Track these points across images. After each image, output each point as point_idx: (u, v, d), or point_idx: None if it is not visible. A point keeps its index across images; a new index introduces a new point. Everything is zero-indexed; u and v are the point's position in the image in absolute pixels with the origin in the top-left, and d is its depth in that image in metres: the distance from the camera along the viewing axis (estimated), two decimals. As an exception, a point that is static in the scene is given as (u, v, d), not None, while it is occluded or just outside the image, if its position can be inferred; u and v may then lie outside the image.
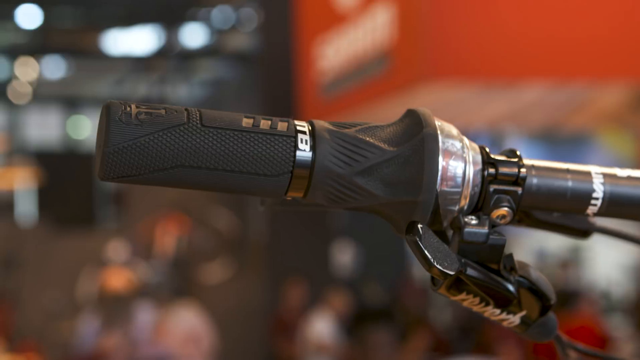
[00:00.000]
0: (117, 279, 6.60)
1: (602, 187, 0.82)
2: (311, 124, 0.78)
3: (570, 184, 0.82)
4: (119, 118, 0.74)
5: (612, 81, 5.74)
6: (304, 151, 0.76)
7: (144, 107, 0.75)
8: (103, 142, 0.74)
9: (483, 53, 5.44)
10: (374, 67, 6.12)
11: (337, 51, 6.77)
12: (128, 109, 0.74)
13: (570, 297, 7.18)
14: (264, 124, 0.77)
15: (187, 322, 3.88)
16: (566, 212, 0.84)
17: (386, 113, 6.51)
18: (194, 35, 14.16)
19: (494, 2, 5.54)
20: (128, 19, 13.66)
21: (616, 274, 11.64)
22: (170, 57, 14.81)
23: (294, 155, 0.76)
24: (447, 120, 0.81)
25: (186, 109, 0.76)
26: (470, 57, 5.45)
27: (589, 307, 7.26)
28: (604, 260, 11.62)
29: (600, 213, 0.83)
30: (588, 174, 0.82)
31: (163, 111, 0.75)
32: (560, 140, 11.50)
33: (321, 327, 7.52)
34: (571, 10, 5.51)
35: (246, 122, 0.76)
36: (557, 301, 0.83)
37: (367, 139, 0.78)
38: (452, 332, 9.01)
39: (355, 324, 5.46)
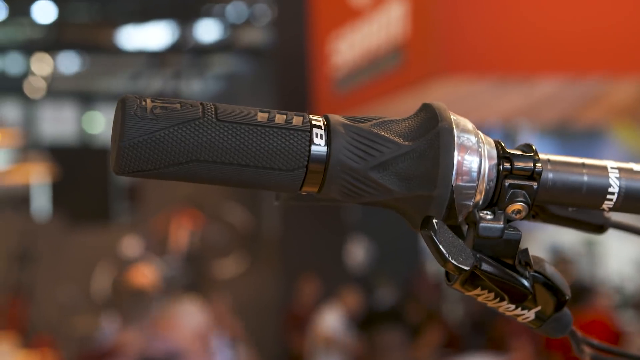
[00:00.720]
0: (138, 275, 6.64)
1: (617, 182, 0.81)
2: (326, 118, 0.78)
3: (586, 178, 0.81)
4: (134, 112, 0.74)
5: (625, 76, 5.72)
6: (319, 145, 0.76)
7: (159, 101, 0.75)
8: (118, 136, 0.74)
9: (496, 48, 5.43)
10: (388, 61, 6.12)
11: (351, 46, 6.77)
12: (143, 103, 0.74)
13: (582, 291, 7.16)
14: (279, 118, 0.76)
15: (195, 319, 3.88)
16: (582, 207, 0.84)
17: (400, 107, 6.50)
18: (208, 31, 14.17)
19: (508, -3, 5.53)
20: (142, 15, 13.67)
21: (629, 269, 11.61)
22: (185, 52, 14.83)
23: (309, 150, 0.76)
24: (460, 115, 0.81)
25: (201, 104, 0.76)
26: (484, 52, 5.44)
27: (602, 302, 7.24)
28: (617, 256, 11.59)
29: (616, 208, 0.82)
30: (604, 168, 0.82)
31: (178, 105, 0.75)
32: (574, 135, 11.46)
33: (331, 322, 7.53)
34: (585, 5, 5.49)
35: (261, 116, 0.76)
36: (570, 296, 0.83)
37: (383, 133, 0.78)
38: (464, 328, 9.01)
39: (365, 324, 5.47)
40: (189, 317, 3.79)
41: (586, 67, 5.57)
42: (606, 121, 8.13)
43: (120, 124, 0.74)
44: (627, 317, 9.65)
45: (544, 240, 12.03)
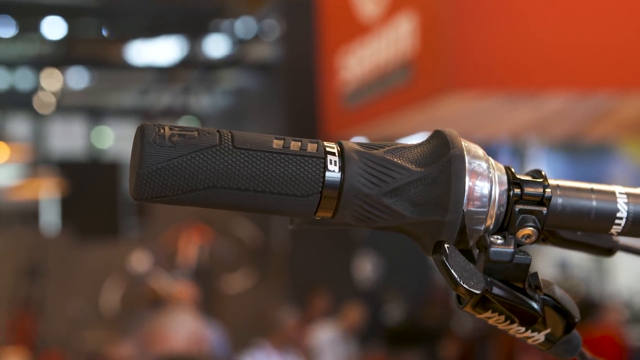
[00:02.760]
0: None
1: (626, 207, 0.83)
2: (340, 145, 0.80)
3: (594, 203, 0.83)
4: (152, 140, 0.75)
5: (634, 91, 5.72)
6: (333, 172, 0.78)
7: (177, 129, 0.76)
8: (137, 163, 0.75)
9: (505, 63, 5.44)
10: (397, 77, 6.13)
11: (359, 61, 6.78)
12: (162, 131, 0.76)
13: (592, 307, 7.15)
14: (294, 145, 0.78)
15: (187, 325, 3.87)
16: (590, 231, 0.85)
17: (409, 123, 6.51)
18: (217, 46, 14.20)
19: (516, 13, 5.53)
20: (151, 30, 13.71)
21: (638, 284, 11.58)
22: (194, 67, 14.85)
23: (324, 176, 0.77)
24: (469, 130, 0.83)
25: (218, 131, 0.77)
26: (493, 68, 5.45)
27: (611, 317, 7.22)
28: (626, 271, 11.56)
29: (624, 232, 0.84)
30: (612, 193, 0.83)
31: (196, 133, 0.76)
32: (583, 150, 11.45)
33: (321, 335, 7.50)
34: (594, 21, 5.50)
35: (276, 143, 0.78)
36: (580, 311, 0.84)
37: (395, 159, 0.79)
38: (474, 342, 8.99)
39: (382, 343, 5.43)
40: (180, 325, 3.77)
41: (595, 83, 5.57)
42: (615, 136, 8.12)
43: (139, 152, 0.75)
44: (636, 332, 9.62)
45: (553, 255, 12.00)
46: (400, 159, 0.80)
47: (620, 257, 1.02)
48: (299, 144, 0.78)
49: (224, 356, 6.79)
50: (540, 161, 11.79)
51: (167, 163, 0.75)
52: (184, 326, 3.80)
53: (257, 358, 6.45)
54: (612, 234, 0.84)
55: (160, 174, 0.75)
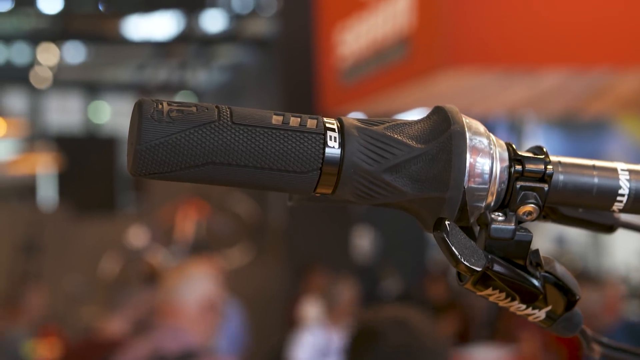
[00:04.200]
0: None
1: (628, 184, 0.82)
2: (340, 121, 0.79)
3: (596, 180, 0.82)
4: (150, 116, 0.75)
5: (632, 67, 5.72)
6: (333, 148, 0.77)
7: (175, 104, 0.76)
8: (135, 139, 0.74)
9: (502, 39, 5.42)
10: (394, 53, 6.11)
11: (356, 37, 6.76)
12: (160, 106, 0.75)
13: (589, 282, 7.16)
14: (294, 121, 0.77)
15: (200, 291, 3.68)
16: (592, 208, 0.85)
17: (406, 99, 6.51)
18: (213, 21, 14.17)
19: (514, -11, 5.52)
20: (148, 5, 13.67)
21: (635, 260, 11.61)
22: (191, 42, 14.83)
23: (323, 152, 0.77)
24: (466, 106, 0.82)
25: (217, 107, 0.77)
26: (490, 44, 5.44)
27: (609, 292, 7.23)
28: (623, 246, 11.59)
29: (626, 209, 0.83)
30: (614, 170, 0.83)
31: (194, 109, 0.76)
32: (580, 127, 11.45)
33: (309, 311, 7.50)
34: (592, -3, 5.49)
35: (276, 119, 0.77)
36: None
37: (395, 136, 0.79)
38: (472, 319, 9.01)
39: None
40: (193, 291, 3.58)
41: (592, 59, 5.56)
42: (612, 113, 8.12)
43: (137, 127, 0.75)
44: (633, 307, 9.65)
45: (551, 230, 12.03)
46: (400, 135, 0.79)
47: (617, 232, 1.02)
48: (299, 119, 0.78)
49: (239, 338, 6.80)
50: (537, 137, 11.81)
51: (165, 139, 0.74)
52: (196, 293, 3.61)
53: (316, 334, 6.48)
54: (613, 211, 0.84)
55: (159, 150, 0.74)
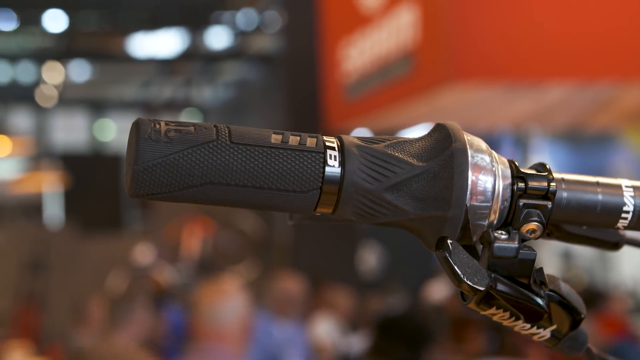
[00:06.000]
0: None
1: (632, 201, 0.81)
2: (340, 139, 0.78)
3: (600, 197, 0.81)
4: (148, 136, 0.74)
5: (636, 80, 5.71)
6: (333, 167, 0.76)
7: (173, 124, 0.75)
8: (133, 159, 0.74)
9: (507, 53, 5.42)
10: (398, 68, 6.12)
11: (361, 52, 6.77)
12: (157, 126, 0.74)
13: (596, 297, 7.13)
14: (293, 140, 0.76)
15: (239, 312, 3.58)
16: (596, 225, 0.84)
17: (410, 114, 6.50)
18: (218, 38, 14.20)
19: (518, 3, 5.52)
20: (153, 22, 13.71)
21: (643, 274, 11.58)
22: (195, 59, 14.86)
23: (323, 172, 0.76)
24: (471, 120, 0.81)
25: (215, 126, 0.76)
26: (494, 58, 5.44)
27: (616, 307, 7.21)
28: (631, 260, 11.55)
29: (631, 227, 0.82)
30: (618, 187, 0.82)
31: (192, 128, 0.75)
32: (584, 140, 11.43)
33: (322, 330, 7.49)
34: (595, 11, 5.48)
35: (275, 138, 0.76)
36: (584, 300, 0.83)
37: (396, 154, 0.78)
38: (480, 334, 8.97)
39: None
40: (234, 312, 3.49)
41: (597, 72, 5.56)
42: (617, 126, 8.11)
43: (134, 147, 0.74)
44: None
45: (557, 245, 12.00)
46: (401, 153, 0.78)
47: (624, 247, 1.01)
48: (298, 138, 0.77)
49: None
50: (542, 151, 11.78)
51: (163, 159, 0.73)
52: (235, 314, 3.52)
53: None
54: (618, 228, 0.83)
55: (156, 170, 0.73)
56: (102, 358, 3.69)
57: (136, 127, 0.74)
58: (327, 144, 0.77)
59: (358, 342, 6.43)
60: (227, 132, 0.75)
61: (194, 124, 0.75)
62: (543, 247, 11.15)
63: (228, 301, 3.54)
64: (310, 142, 0.77)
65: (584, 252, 12.14)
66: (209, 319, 3.49)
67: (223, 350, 3.42)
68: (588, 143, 11.55)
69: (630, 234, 0.94)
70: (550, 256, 11.67)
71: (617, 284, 11.07)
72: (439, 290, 8.06)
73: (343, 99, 7.21)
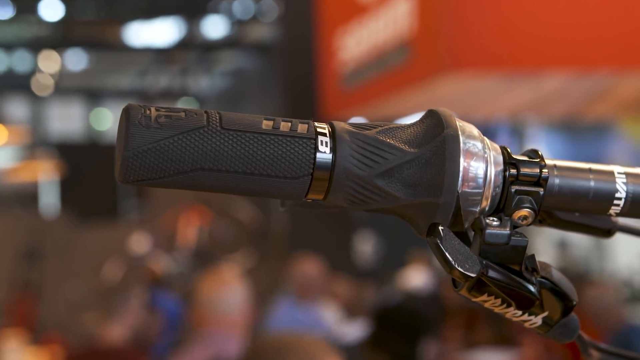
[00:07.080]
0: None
1: (625, 187, 0.81)
2: (331, 125, 0.78)
3: (592, 184, 0.81)
4: (138, 121, 0.73)
5: (633, 70, 5.71)
6: (324, 153, 0.75)
7: (163, 110, 0.74)
8: (123, 145, 0.73)
9: (504, 43, 5.42)
10: (395, 57, 6.11)
11: (358, 42, 6.76)
12: (147, 112, 0.74)
13: (590, 286, 7.14)
14: (284, 126, 0.76)
15: (242, 300, 3.61)
16: (589, 212, 0.83)
17: (407, 103, 6.50)
18: (215, 27, 14.18)
19: (515, -8, 5.52)
20: (149, 11, 13.69)
21: (638, 263, 11.59)
22: (192, 48, 14.84)
23: (314, 158, 0.75)
24: (468, 110, 0.81)
25: (206, 112, 0.75)
26: (491, 47, 5.43)
27: (611, 296, 7.21)
28: (626, 249, 11.57)
29: (623, 213, 0.82)
30: (611, 173, 0.81)
31: (183, 114, 0.74)
32: (582, 129, 11.44)
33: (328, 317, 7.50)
34: (592, 0, 5.48)
35: (266, 124, 0.76)
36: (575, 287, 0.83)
37: (388, 140, 0.77)
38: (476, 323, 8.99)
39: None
40: (237, 300, 3.51)
41: (594, 62, 5.56)
42: (614, 115, 8.11)
43: (124, 133, 0.73)
44: (635, 311, 9.63)
45: (552, 234, 12.01)
46: (393, 140, 0.78)
47: (620, 236, 1.01)
48: (289, 124, 0.76)
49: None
50: (539, 141, 11.79)
51: (153, 145, 0.73)
52: (240, 301, 3.56)
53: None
54: (610, 215, 0.83)
55: (146, 156, 0.73)
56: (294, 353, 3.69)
57: (126, 113, 0.74)
58: (319, 130, 0.76)
59: (354, 331, 6.43)
60: (218, 118, 0.75)
61: (184, 110, 0.75)
62: (539, 236, 11.17)
63: (228, 290, 3.56)
64: (302, 128, 0.76)
65: (579, 241, 12.15)
66: (209, 308, 3.51)
67: (224, 336, 3.44)
68: (585, 132, 11.56)
69: (623, 220, 0.94)
70: (546, 245, 11.69)
71: (612, 273, 11.08)
72: (414, 278, 8.07)
73: (340, 88, 7.21)
